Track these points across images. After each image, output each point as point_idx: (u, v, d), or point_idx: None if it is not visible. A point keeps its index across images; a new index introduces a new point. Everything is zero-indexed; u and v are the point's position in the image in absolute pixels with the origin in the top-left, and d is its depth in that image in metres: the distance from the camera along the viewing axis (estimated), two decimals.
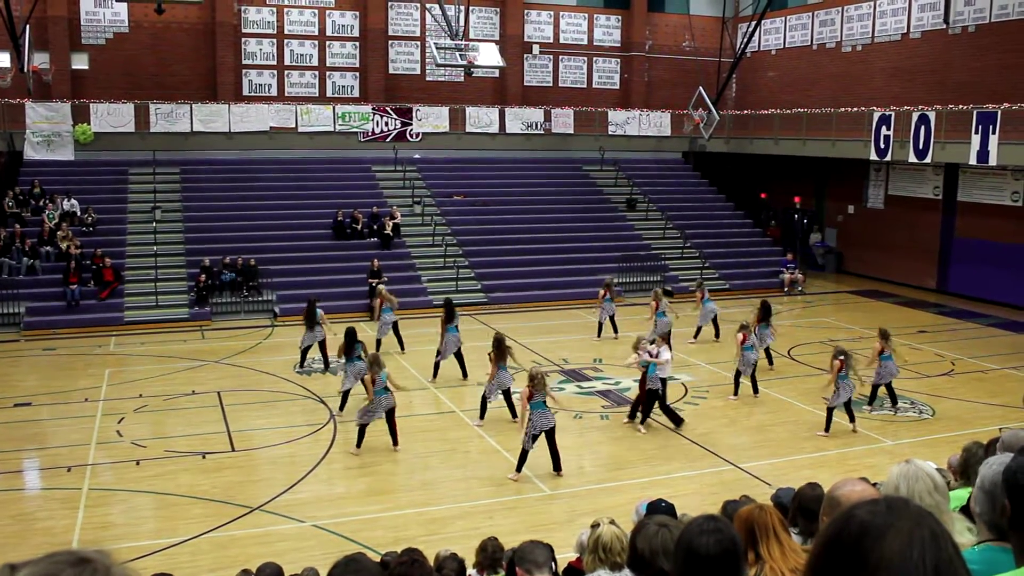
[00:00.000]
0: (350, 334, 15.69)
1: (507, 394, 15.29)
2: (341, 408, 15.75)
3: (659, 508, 5.56)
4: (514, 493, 12.47)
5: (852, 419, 15.01)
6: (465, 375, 17.97)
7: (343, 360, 15.81)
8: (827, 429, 14.93)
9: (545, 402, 12.84)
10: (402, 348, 20.14)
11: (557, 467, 13.01)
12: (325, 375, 18.37)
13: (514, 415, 15.25)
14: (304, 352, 18.75)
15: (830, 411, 14.96)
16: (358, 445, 13.92)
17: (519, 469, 12.88)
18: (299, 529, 11.19)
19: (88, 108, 28.30)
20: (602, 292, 21.70)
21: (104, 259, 23.70)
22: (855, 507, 1.60)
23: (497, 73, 32.22)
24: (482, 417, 15.43)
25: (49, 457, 13.84)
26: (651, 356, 14.88)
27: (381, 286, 21.38)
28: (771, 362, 19.09)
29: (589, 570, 4.68)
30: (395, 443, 14.00)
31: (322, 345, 18.61)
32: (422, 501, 12.16)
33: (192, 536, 10.87)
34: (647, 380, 14.88)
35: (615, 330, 21.66)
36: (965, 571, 1.53)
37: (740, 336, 16.71)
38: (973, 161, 24.27)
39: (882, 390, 16.18)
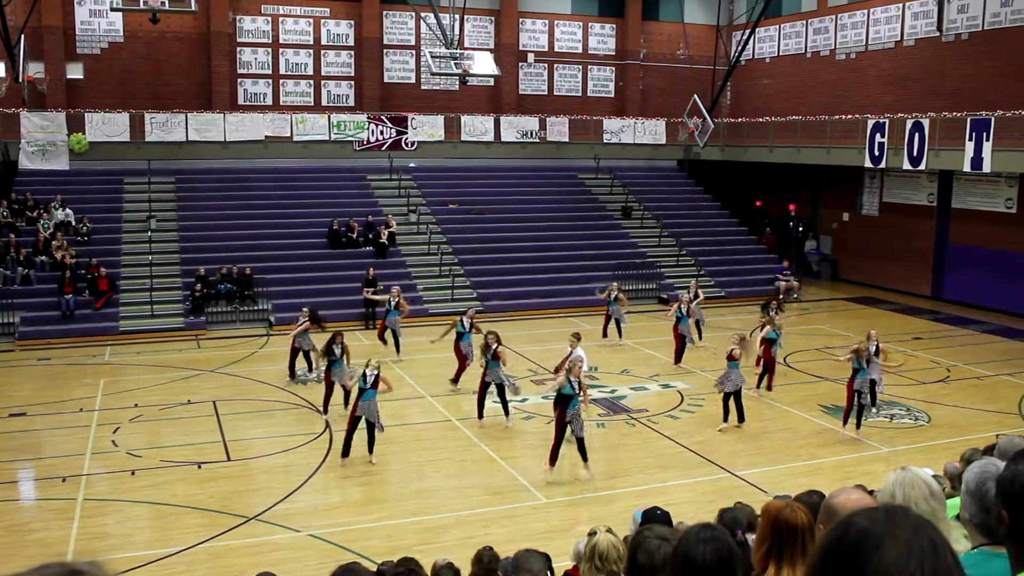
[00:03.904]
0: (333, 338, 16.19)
1: (500, 391, 15.60)
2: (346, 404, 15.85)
3: (655, 516, 5.53)
4: (511, 502, 12.45)
5: (858, 425, 15.08)
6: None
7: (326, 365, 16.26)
8: (846, 423, 15.23)
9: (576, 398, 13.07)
10: (398, 352, 20.24)
11: (551, 460, 13.20)
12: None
13: (507, 413, 15.62)
14: (307, 358, 18.69)
15: (859, 408, 15.13)
16: (370, 451, 13.90)
17: (585, 460, 13.18)
18: (295, 539, 11.16)
19: (83, 118, 28.28)
20: (615, 296, 21.81)
21: (99, 268, 23.65)
22: (853, 515, 1.60)
23: (492, 82, 32.27)
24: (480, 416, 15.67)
25: (44, 467, 13.79)
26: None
27: (395, 288, 21.30)
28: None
29: None
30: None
31: (295, 354, 18.55)
32: (418, 510, 12.13)
33: (188, 546, 10.82)
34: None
35: (620, 335, 21.92)
36: None
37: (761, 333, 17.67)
38: (967, 168, 24.34)
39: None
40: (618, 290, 22.08)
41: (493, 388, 15.66)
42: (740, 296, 28.04)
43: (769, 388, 17.63)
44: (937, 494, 3.07)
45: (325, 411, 16.21)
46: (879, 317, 25.75)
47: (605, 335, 22.01)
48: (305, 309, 18.70)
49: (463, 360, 17.71)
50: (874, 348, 16.15)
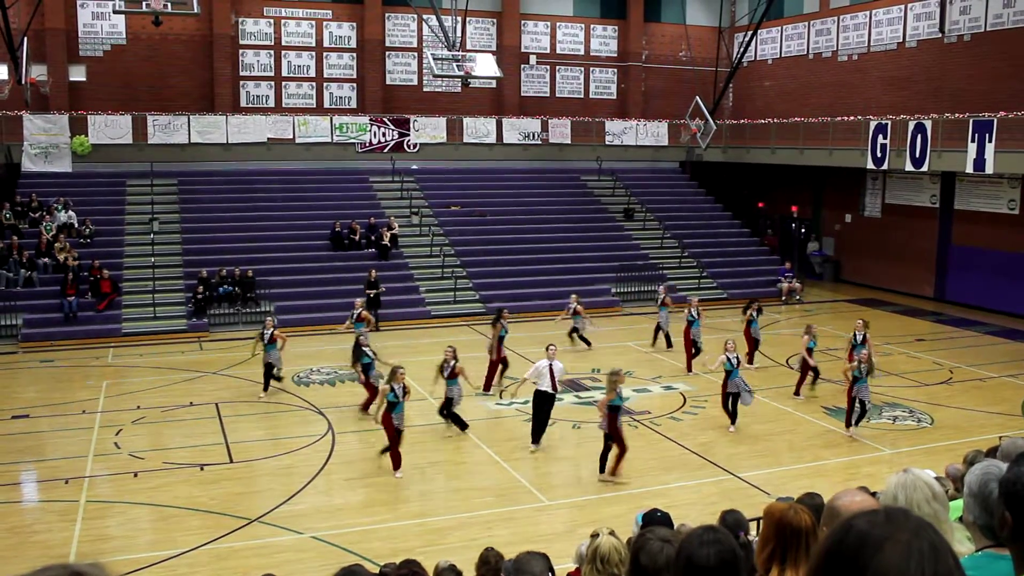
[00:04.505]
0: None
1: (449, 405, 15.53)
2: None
3: (655, 518, 5.52)
4: (513, 504, 12.45)
5: (857, 423, 15.09)
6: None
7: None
8: (847, 425, 15.29)
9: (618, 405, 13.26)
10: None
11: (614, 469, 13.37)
12: (323, 387, 18.33)
13: (462, 427, 15.43)
14: (270, 371, 17.72)
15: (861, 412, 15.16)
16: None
17: (602, 471, 13.40)
18: (298, 541, 11.16)
19: (86, 120, 28.32)
20: (574, 308, 21.91)
21: (102, 271, 23.68)
22: (854, 517, 1.59)
23: (494, 83, 32.28)
24: (462, 428, 15.48)
25: (47, 469, 13.80)
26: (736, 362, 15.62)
27: (359, 300, 20.86)
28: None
29: None
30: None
31: (269, 368, 17.67)
32: (420, 512, 12.13)
33: (190, 548, 10.83)
34: (728, 383, 15.63)
35: (587, 343, 21.93)
36: None
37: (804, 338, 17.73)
38: (970, 169, 24.31)
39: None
40: (576, 301, 22.08)
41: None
42: (742, 298, 27.87)
43: (797, 392, 17.68)
44: (939, 496, 3.07)
45: (366, 409, 15.93)
46: (882, 319, 25.70)
47: (588, 344, 21.95)
48: (270, 319, 18.47)
49: (500, 361, 18.24)
50: (861, 337, 16.39)
